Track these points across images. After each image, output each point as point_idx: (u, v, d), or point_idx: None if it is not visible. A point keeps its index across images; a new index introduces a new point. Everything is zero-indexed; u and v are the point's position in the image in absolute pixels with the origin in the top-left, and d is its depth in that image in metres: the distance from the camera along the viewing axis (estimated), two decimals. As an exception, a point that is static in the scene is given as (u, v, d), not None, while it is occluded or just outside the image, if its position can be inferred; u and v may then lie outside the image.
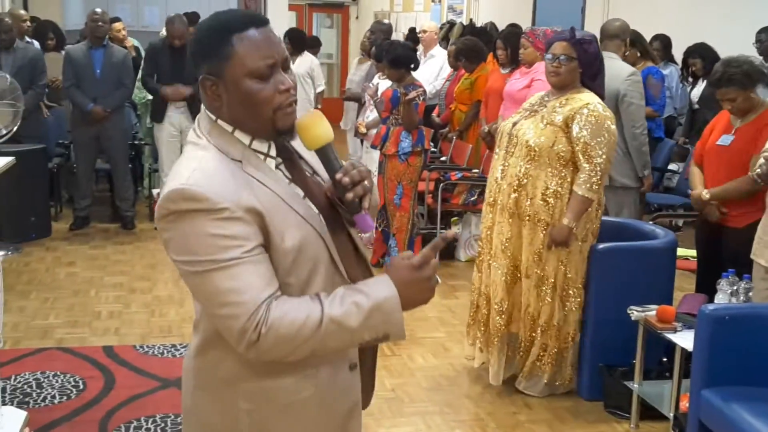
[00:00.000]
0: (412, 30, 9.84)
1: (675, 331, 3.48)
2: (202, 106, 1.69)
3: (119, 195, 6.96)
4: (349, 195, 1.65)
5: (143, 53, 8.84)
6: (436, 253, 1.62)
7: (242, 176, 1.60)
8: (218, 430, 1.71)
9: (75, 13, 12.01)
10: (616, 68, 4.76)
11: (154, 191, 7.14)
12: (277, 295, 1.56)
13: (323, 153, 1.69)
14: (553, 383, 3.95)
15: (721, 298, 3.47)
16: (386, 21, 9.28)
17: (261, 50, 1.59)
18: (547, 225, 3.75)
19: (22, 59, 6.61)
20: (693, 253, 4.68)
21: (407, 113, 5.77)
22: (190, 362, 1.75)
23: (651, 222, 4.83)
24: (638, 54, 6.26)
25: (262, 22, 1.62)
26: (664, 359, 3.81)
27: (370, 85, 6.54)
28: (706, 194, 4.06)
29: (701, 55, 6.82)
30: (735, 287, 3.47)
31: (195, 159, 1.61)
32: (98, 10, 6.82)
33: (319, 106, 8.77)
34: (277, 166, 1.69)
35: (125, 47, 7.48)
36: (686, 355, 3.38)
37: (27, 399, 3.78)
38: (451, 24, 10.62)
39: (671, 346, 3.53)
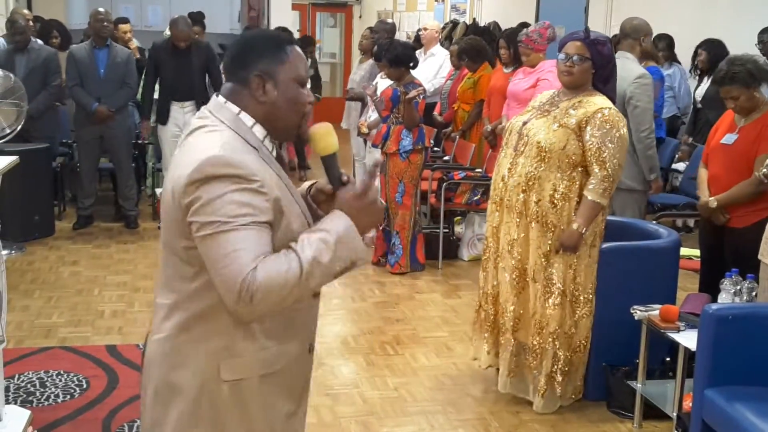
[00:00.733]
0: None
1: (678, 330, 3.47)
2: (220, 98, 1.88)
3: (122, 194, 6.97)
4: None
5: (147, 53, 8.88)
6: (373, 178, 1.87)
7: (261, 161, 1.80)
8: (200, 402, 1.83)
9: (78, 12, 12.02)
10: (627, 69, 4.70)
11: (158, 190, 7.14)
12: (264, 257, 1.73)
13: (330, 160, 1.89)
14: (566, 395, 3.86)
15: (724, 298, 3.46)
16: (389, 20, 9.26)
17: (304, 63, 1.91)
18: (555, 227, 3.68)
19: (35, 60, 6.63)
20: (697, 252, 4.67)
21: (408, 112, 5.79)
22: (166, 344, 1.86)
23: (654, 222, 4.82)
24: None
25: (297, 42, 1.95)
26: (668, 359, 3.80)
27: (370, 84, 6.54)
28: (713, 202, 4.03)
29: (707, 49, 6.79)
30: (738, 287, 3.46)
31: (218, 136, 1.80)
32: (102, 9, 6.83)
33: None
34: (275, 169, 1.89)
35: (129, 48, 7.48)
36: (689, 355, 3.38)
37: (30, 398, 3.79)
38: (454, 23, 10.61)
39: (674, 345, 3.53)
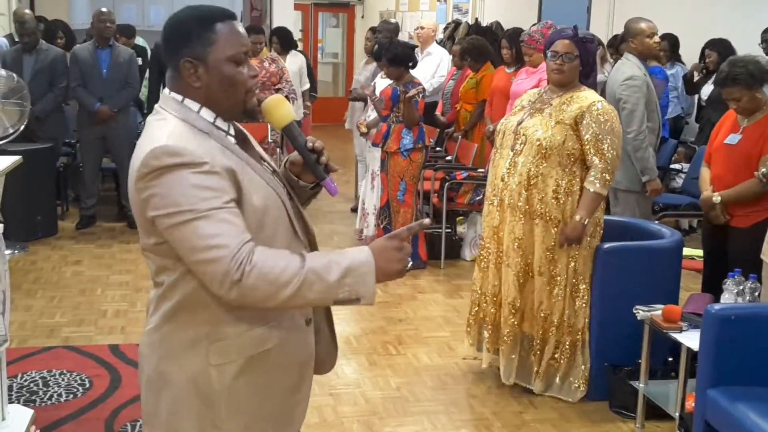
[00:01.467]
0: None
1: (681, 330, 3.47)
2: (166, 90, 1.85)
3: (125, 194, 6.97)
4: (322, 159, 1.90)
5: (149, 53, 8.88)
6: (411, 234, 1.82)
7: (211, 142, 1.76)
8: (190, 392, 1.81)
9: (81, 12, 12.05)
10: (619, 71, 4.80)
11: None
12: (255, 243, 1.69)
13: (289, 130, 1.90)
14: (569, 382, 3.92)
15: (727, 298, 3.46)
16: (393, 20, 9.26)
17: (238, 39, 1.81)
18: (559, 222, 3.77)
19: (43, 61, 6.65)
20: (699, 252, 4.67)
21: (408, 110, 5.82)
22: (154, 335, 1.85)
23: (657, 222, 4.82)
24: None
25: (234, 16, 1.84)
26: (670, 359, 3.80)
27: (369, 84, 6.56)
28: (717, 198, 4.03)
29: (716, 49, 6.79)
30: (741, 287, 3.46)
31: (165, 127, 1.76)
32: (105, 9, 6.84)
33: (309, 104, 8.80)
34: (233, 145, 1.84)
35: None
36: (692, 355, 3.38)
37: (33, 397, 3.80)
38: (457, 23, 10.61)
39: (677, 345, 3.53)
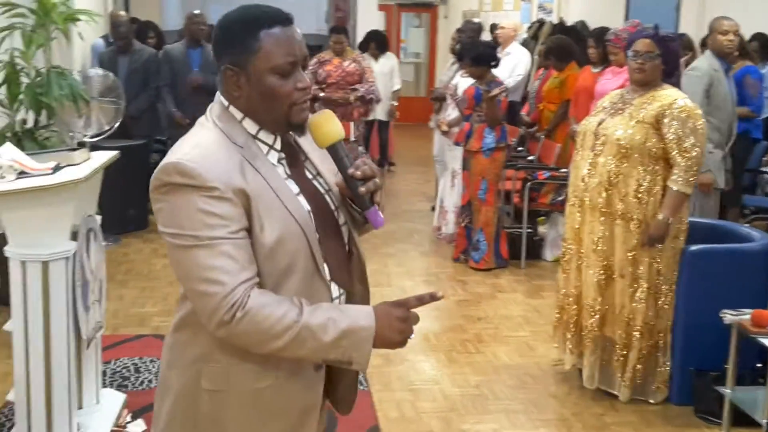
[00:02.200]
0: (493, 26, 9.77)
1: (770, 335, 3.39)
2: (217, 93, 1.74)
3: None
4: (362, 189, 1.71)
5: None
6: (419, 305, 1.70)
7: (239, 160, 1.64)
8: (182, 406, 1.75)
9: (173, 14, 12.42)
10: (690, 66, 4.77)
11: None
12: (256, 281, 1.61)
13: (334, 150, 1.74)
14: (649, 385, 3.87)
15: (819, 303, 3.36)
16: (476, 20, 9.24)
17: (285, 48, 1.65)
18: (640, 223, 3.72)
19: (137, 61, 6.89)
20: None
21: (490, 110, 5.82)
22: (168, 338, 1.81)
23: (747, 225, 4.69)
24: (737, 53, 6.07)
25: (288, 20, 1.67)
26: (759, 364, 3.70)
27: (450, 84, 6.58)
28: None
29: None
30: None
31: (197, 137, 1.67)
32: (197, 12, 7.04)
33: (395, 103, 8.89)
34: (279, 161, 1.73)
35: None
36: (781, 361, 3.29)
37: (125, 382, 3.96)
38: (541, 23, 10.50)
39: (765, 351, 3.44)
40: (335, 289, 1.77)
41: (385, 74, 8.60)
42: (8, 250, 2.99)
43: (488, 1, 12.78)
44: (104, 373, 3.88)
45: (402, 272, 5.93)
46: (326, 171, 1.82)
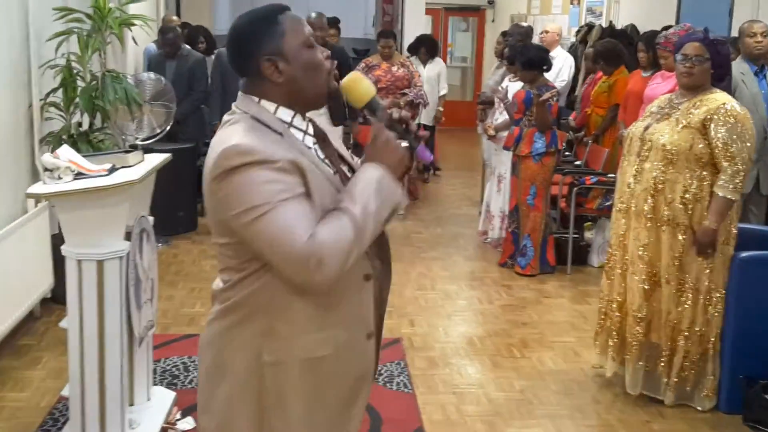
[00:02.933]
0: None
1: (823, 345, 3.33)
2: (240, 93, 1.85)
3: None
4: (411, 127, 1.85)
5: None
6: (382, 121, 1.83)
7: (282, 143, 1.77)
8: (243, 384, 1.83)
9: (224, 18, 12.60)
10: None
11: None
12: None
13: (371, 106, 1.87)
14: (698, 390, 3.84)
15: None
16: (524, 23, 9.21)
17: (301, 24, 1.83)
18: (687, 229, 3.69)
19: (183, 66, 7.01)
20: None
21: (541, 114, 5.79)
22: (215, 327, 1.87)
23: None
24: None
25: (288, 7, 1.85)
26: (811, 374, 3.64)
27: (500, 88, 6.55)
28: None
29: None
30: None
31: (236, 128, 1.78)
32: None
33: (441, 109, 8.90)
34: (313, 144, 1.87)
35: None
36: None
37: (175, 381, 4.03)
38: (590, 26, 10.42)
39: (818, 360, 3.38)
40: (367, 266, 1.88)
41: (433, 79, 8.63)
42: (65, 249, 3.08)
43: (536, 4, 12.72)
44: (155, 372, 3.96)
45: (446, 276, 5.93)
46: (346, 153, 1.98)
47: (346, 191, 1.77)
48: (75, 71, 4.73)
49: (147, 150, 3.54)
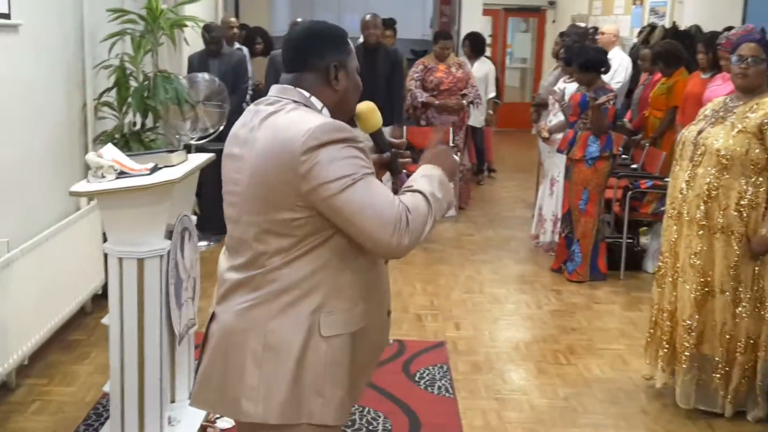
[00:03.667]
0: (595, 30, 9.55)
1: None
2: (287, 85, 2.01)
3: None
4: (405, 160, 2.14)
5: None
6: (439, 134, 2.13)
7: None
8: (301, 361, 1.94)
9: (282, 19, 12.71)
10: None
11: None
12: None
13: (377, 134, 2.13)
14: (750, 402, 3.72)
15: None
16: (582, 24, 9.06)
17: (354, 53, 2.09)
18: (742, 237, 3.56)
19: (227, 65, 7.08)
20: None
21: (596, 118, 5.67)
22: (258, 311, 1.95)
23: None
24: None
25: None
26: None
27: (556, 89, 6.44)
28: None
29: None
30: None
31: (302, 111, 1.94)
32: (300, 20, 7.17)
33: (491, 112, 8.81)
34: None
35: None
36: None
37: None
38: (652, 27, 10.19)
39: None
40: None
41: (480, 79, 8.55)
42: (106, 247, 3.12)
43: (598, 5, 12.50)
44: (196, 371, 3.99)
45: (495, 280, 5.86)
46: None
47: (413, 180, 1.98)
48: (128, 71, 4.81)
49: (199, 149, 3.57)
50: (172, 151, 3.40)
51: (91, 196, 3.05)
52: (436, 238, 6.88)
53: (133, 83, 4.82)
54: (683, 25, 9.80)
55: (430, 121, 7.63)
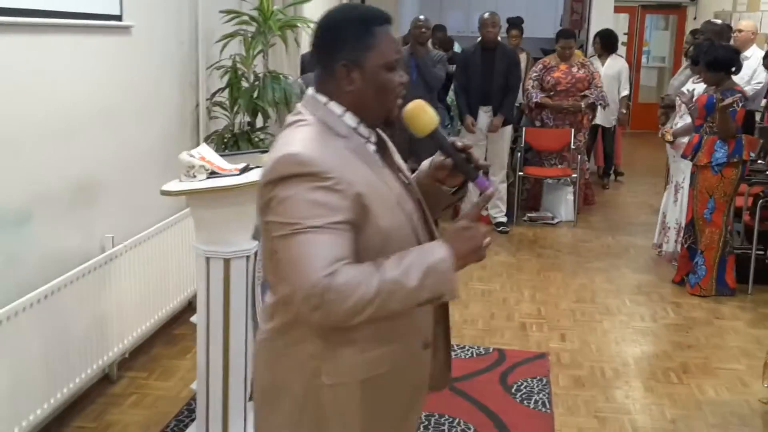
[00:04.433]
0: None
1: None
2: (310, 90, 1.81)
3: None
4: (473, 157, 1.82)
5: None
6: (479, 209, 1.74)
7: (346, 153, 1.71)
8: (305, 404, 1.76)
9: (409, 18, 12.69)
10: None
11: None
12: (346, 263, 1.61)
13: (434, 136, 1.81)
14: None
15: None
16: (718, 21, 8.53)
17: (394, 44, 1.76)
18: None
19: None
20: None
21: (723, 121, 5.30)
22: (268, 346, 1.81)
23: None
24: None
25: (390, 19, 1.77)
26: None
27: (685, 90, 6.08)
28: None
29: None
30: None
31: (302, 130, 1.72)
32: (422, 17, 7.11)
33: (624, 111, 8.46)
34: (375, 152, 1.80)
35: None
36: None
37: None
38: (802, 23, 9.50)
39: None
40: None
41: (612, 77, 8.23)
42: (195, 246, 3.16)
43: (743, 0, 11.78)
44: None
45: (609, 289, 5.59)
46: (404, 166, 1.91)
47: (400, 254, 1.65)
48: (240, 72, 4.89)
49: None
50: (264, 151, 3.41)
51: (179, 195, 3.09)
52: (550, 244, 6.67)
53: (244, 84, 4.90)
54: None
55: (544, 122, 7.42)
